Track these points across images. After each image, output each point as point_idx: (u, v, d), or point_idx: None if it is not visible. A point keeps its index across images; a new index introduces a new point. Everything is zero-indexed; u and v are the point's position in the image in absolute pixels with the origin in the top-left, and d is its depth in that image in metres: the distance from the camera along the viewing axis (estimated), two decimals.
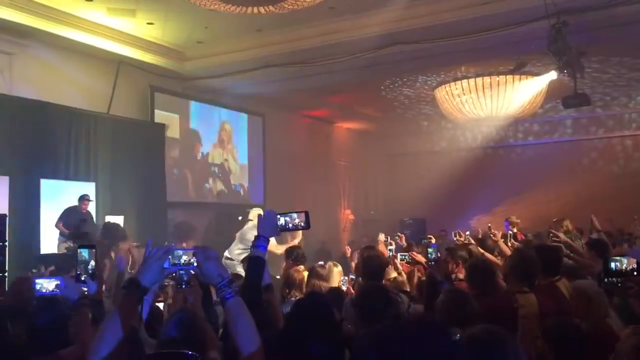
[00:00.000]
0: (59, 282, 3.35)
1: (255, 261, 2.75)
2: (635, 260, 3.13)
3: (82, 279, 3.09)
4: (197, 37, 10.13)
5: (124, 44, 9.73)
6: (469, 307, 3.36)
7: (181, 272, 3.41)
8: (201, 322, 2.72)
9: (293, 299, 4.62)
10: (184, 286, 3.44)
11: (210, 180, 12.42)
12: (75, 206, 8.60)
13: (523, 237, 7.76)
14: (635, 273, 3.14)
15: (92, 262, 3.12)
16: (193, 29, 9.71)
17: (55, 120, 8.97)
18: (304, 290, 4.92)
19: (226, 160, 12.81)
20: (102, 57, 9.72)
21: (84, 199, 8.63)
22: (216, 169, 12.58)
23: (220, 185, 12.59)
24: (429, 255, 4.75)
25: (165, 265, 2.22)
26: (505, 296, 4.09)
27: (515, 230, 7.63)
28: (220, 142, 12.67)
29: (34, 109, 8.60)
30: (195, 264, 2.28)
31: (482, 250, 6.28)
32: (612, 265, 3.19)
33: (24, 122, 8.44)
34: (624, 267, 3.15)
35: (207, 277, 2.18)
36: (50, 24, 8.63)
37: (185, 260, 2.42)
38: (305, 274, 5.24)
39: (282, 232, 2.87)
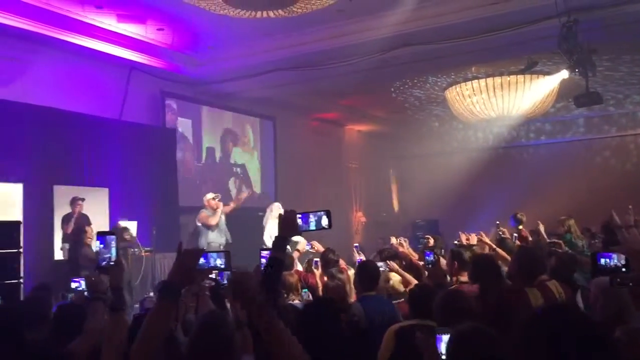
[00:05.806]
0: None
1: (274, 262, 2.63)
2: (624, 256, 3.02)
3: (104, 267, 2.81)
4: (208, 42, 10.17)
5: (135, 49, 9.78)
6: (465, 306, 3.30)
7: (219, 275, 3.43)
8: (229, 324, 2.67)
9: (291, 302, 4.67)
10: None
11: (231, 184, 12.49)
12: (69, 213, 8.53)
13: (527, 234, 7.66)
14: (624, 269, 3.03)
15: (113, 251, 2.80)
16: (203, 33, 9.75)
17: (68, 126, 9.01)
18: (300, 292, 5.11)
19: (247, 162, 13.02)
20: (113, 63, 9.77)
21: (75, 201, 8.53)
22: (238, 169, 12.70)
23: (242, 189, 12.68)
24: (427, 258, 4.78)
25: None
26: (520, 291, 4.04)
27: (520, 227, 7.57)
28: (243, 145, 12.94)
29: (46, 115, 8.66)
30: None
31: (494, 246, 6.25)
32: (602, 261, 3.13)
33: (37, 129, 8.48)
34: (613, 264, 3.06)
35: None
36: (62, 31, 8.68)
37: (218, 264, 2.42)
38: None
39: (302, 232, 2.80)
